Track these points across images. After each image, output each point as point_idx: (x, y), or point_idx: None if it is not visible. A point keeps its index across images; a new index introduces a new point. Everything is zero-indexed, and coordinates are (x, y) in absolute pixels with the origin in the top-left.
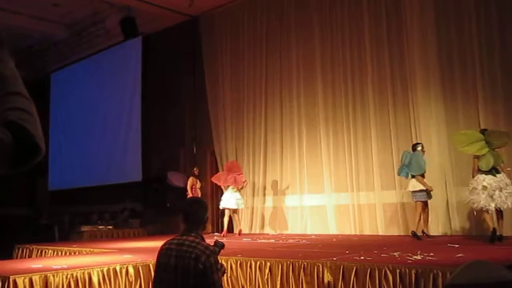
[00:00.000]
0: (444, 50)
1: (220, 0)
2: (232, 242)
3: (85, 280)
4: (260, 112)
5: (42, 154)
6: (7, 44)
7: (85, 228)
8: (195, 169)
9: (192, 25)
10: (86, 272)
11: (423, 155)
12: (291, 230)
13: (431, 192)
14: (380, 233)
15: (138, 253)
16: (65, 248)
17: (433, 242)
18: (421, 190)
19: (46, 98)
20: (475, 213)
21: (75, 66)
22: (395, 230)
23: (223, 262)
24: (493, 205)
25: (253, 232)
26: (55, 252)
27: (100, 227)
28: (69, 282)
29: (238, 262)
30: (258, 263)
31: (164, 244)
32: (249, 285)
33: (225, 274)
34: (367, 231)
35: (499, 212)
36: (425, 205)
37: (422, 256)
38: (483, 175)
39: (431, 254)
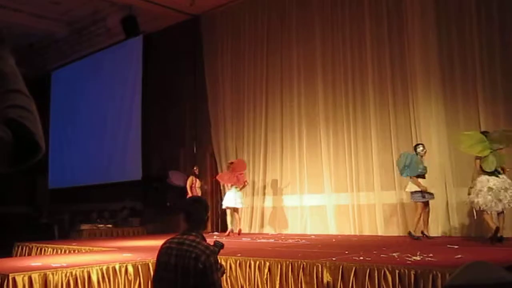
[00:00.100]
0: (445, 50)
1: None
2: (231, 242)
3: (84, 279)
4: (261, 111)
5: (42, 153)
6: (7, 41)
7: (84, 227)
8: (195, 168)
9: (193, 24)
10: (85, 270)
11: (420, 158)
12: (291, 230)
13: (433, 193)
14: (380, 234)
15: (138, 252)
16: (65, 247)
17: (432, 243)
18: (417, 191)
19: (46, 96)
20: (475, 214)
21: (76, 64)
22: (395, 231)
23: (223, 262)
24: (500, 206)
25: (252, 231)
26: (55, 250)
27: (100, 225)
28: (68, 281)
29: (238, 261)
30: (258, 263)
31: (165, 243)
32: (248, 285)
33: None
34: (366, 232)
35: (501, 213)
36: (425, 205)
37: (421, 256)
38: (487, 176)
39: (431, 255)
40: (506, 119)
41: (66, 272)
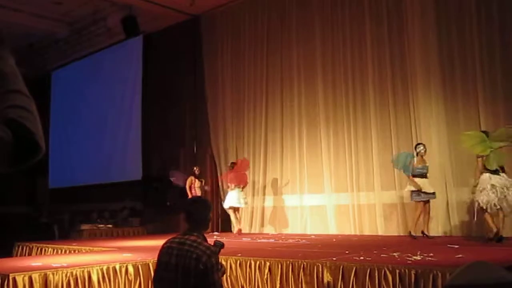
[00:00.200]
0: (445, 50)
1: None
2: (232, 242)
3: (84, 279)
4: (261, 111)
5: (42, 153)
6: (7, 41)
7: (85, 227)
8: (195, 168)
9: (193, 24)
10: (85, 270)
11: (421, 158)
12: (291, 230)
13: (433, 192)
14: (380, 233)
15: (138, 252)
16: (65, 247)
17: (432, 242)
18: (415, 191)
19: (46, 96)
20: (475, 215)
21: (76, 64)
22: (395, 231)
23: (223, 262)
24: (505, 203)
25: (253, 231)
26: (55, 251)
27: (100, 225)
28: (69, 281)
29: (238, 261)
30: (258, 262)
31: (166, 243)
32: (249, 285)
33: (224, 274)
34: (366, 231)
35: (502, 212)
36: (424, 205)
37: (421, 256)
38: (489, 174)
39: (431, 254)
40: (506, 119)
41: (67, 272)
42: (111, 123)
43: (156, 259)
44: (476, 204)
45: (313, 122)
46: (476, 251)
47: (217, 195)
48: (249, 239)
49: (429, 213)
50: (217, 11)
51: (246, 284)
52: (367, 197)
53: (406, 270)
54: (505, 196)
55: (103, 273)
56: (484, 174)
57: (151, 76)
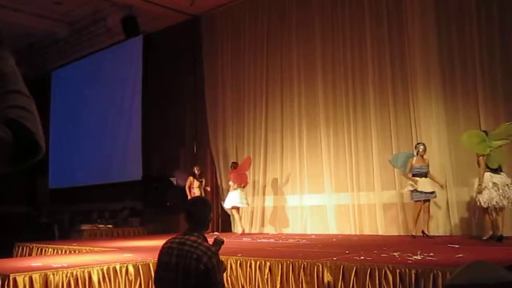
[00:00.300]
0: (445, 50)
1: None
2: (232, 242)
3: (85, 279)
4: (261, 111)
5: (42, 153)
6: (7, 41)
7: (85, 227)
8: (195, 168)
9: (193, 24)
10: (86, 270)
11: (420, 157)
12: (291, 230)
13: (433, 192)
14: (380, 233)
15: (138, 252)
16: (65, 247)
17: (433, 242)
18: (413, 190)
19: (46, 96)
20: (476, 215)
21: (76, 64)
22: (395, 230)
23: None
24: (505, 201)
25: (253, 231)
26: (55, 251)
27: (100, 225)
28: (69, 281)
29: (238, 261)
30: (258, 262)
31: (166, 243)
32: (249, 285)
33: (225, 273)
34: (367, 231)
35: (502, 210)
36: (423, 204)
37: (422, 256)
38: (489, 173)
39: (431, 254)
40: (506, 119)
41: (67, 273)
42: (111, 123)
43: (156, 259)
44: (478, 203)
45: (313, 122)
46: (476, 251)
47: (217, 195)
48: (249, 239)
49: (428, 212)
50: (217, 11)
51: (246, 284)
52: (367, 197)
53: (407, 270)
54: (506, 194)
55: (103, 273)
56: (485, 173)
57: (151, 76)
